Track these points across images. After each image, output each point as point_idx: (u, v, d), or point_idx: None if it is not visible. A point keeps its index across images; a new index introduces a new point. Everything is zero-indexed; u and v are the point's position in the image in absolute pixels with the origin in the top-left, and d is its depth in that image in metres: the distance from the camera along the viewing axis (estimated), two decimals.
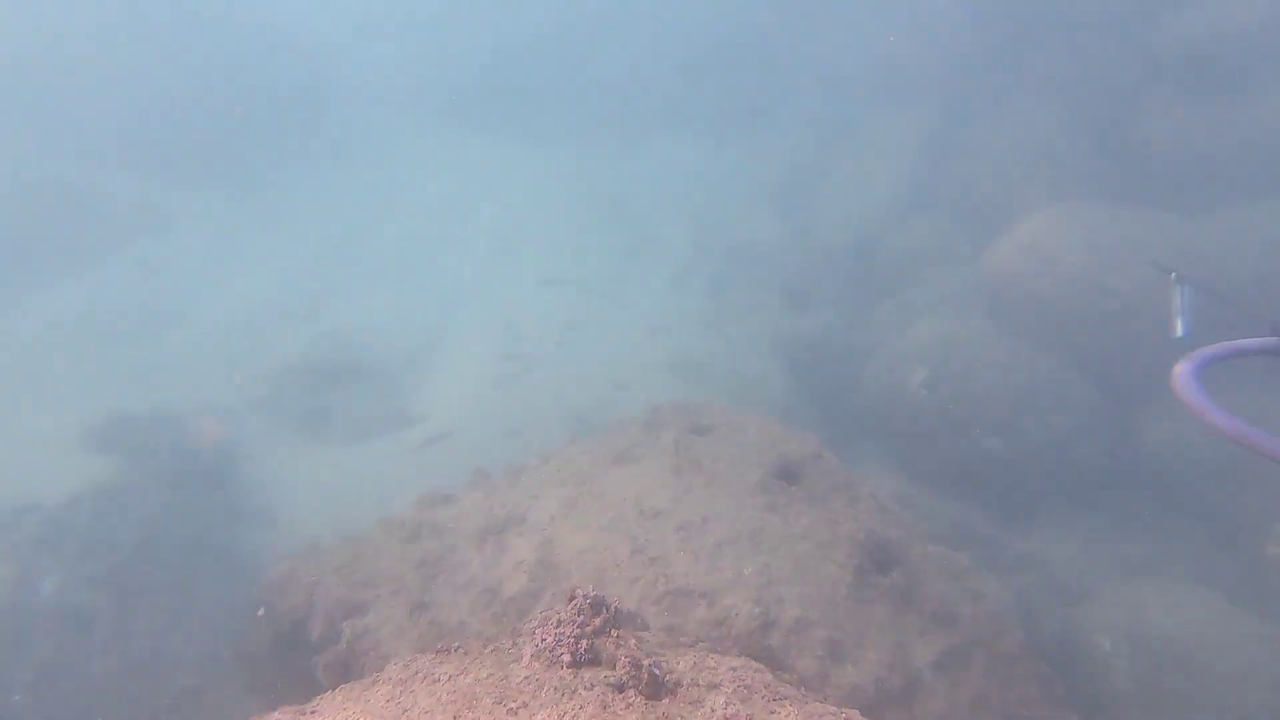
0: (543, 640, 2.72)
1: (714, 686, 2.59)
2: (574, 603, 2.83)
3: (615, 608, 2.89)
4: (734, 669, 2.91)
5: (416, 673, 2.54)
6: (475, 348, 16.83)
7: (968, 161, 13.18)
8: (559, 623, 2.77)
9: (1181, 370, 2.17)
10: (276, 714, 2.23)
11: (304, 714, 2.24)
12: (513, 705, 2.16)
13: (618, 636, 2.75)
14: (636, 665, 2.54)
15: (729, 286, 17.02)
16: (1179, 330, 3.02)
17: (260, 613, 7.00)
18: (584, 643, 2.69)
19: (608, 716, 2.18)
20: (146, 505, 10.55)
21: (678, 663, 2.85)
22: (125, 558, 9.47)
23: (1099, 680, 6.40)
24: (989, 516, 8.44)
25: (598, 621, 2.78)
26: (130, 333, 18.04)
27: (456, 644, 2.83)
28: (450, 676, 2.45)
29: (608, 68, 27.02)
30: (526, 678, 2.46)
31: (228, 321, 19.10)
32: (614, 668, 2.58)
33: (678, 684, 2.55)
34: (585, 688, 2.38)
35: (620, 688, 2.46)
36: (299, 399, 14.84)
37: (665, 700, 2.43)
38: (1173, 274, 3.13)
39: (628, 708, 2.25)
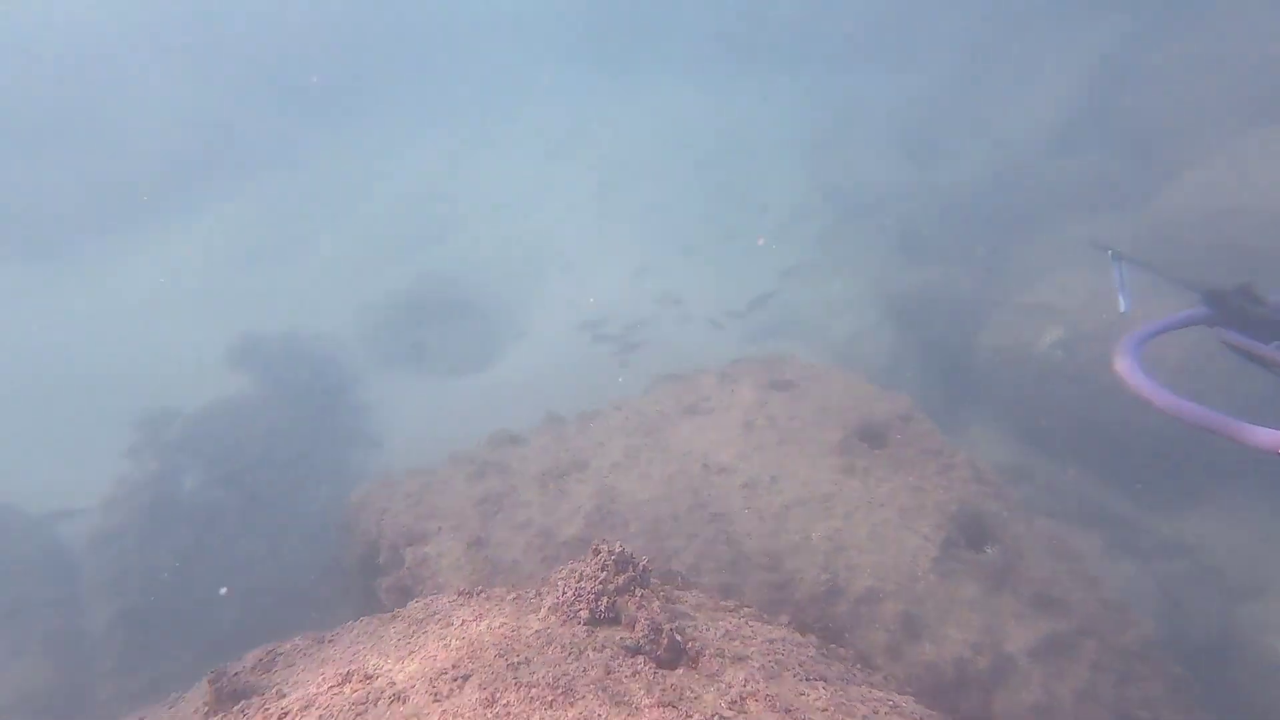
0: (563, 594, 2.63)
1: (740, 659, 2.40)
2: (598, 557, 2.71)
3: (643, 566, 2.75)
4: (771, 641, 2.70)
5: (434, 614, 2.55)
6: (569, 294, 17.10)
7: (1147, 88, 11.09)
8: (581, 577, 2.67)
9: (1120, 358, 2.23)
10: (298, 638, 2.32)
11: (322, 641, 2.30)
12: (514, 660, 2.09)
13: (641, 596, 2.61)
14: (656, 629, 2.39)
15: (839, 235, 15.90)
16: (1122, 306, 2.99)
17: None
18: (604, 600, 2.57)
19: (610, 683, 2.05)
20: (270, 419, 11.81)
21: (708, 629, 2.69)
22: (250, 464, 10.64)
23: (1270, 688, 5.57)
24: (1129, 495, 7.46)
25: (621, 579, 2.65)
26: (268, 255, 20.04)
27: (480, 588, 2.81)
28: (464, 622, 2.43)
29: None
30: (538, 631, 2.39)
31: (348, 250, 20.70)
32: (633, 629, 2.45)
33: (700, 653, 2.39)
34: (595, 649, 2.27)
35: (635, 651, 2.33)
36: (402, 332, 15.90)
37: (680, 670, 2.28)
38: (1109, 251, 3.09)
39: (634, 675, 2.11)
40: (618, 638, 2.39)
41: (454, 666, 2.03)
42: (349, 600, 6.26)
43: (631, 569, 2.73)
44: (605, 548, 2.73)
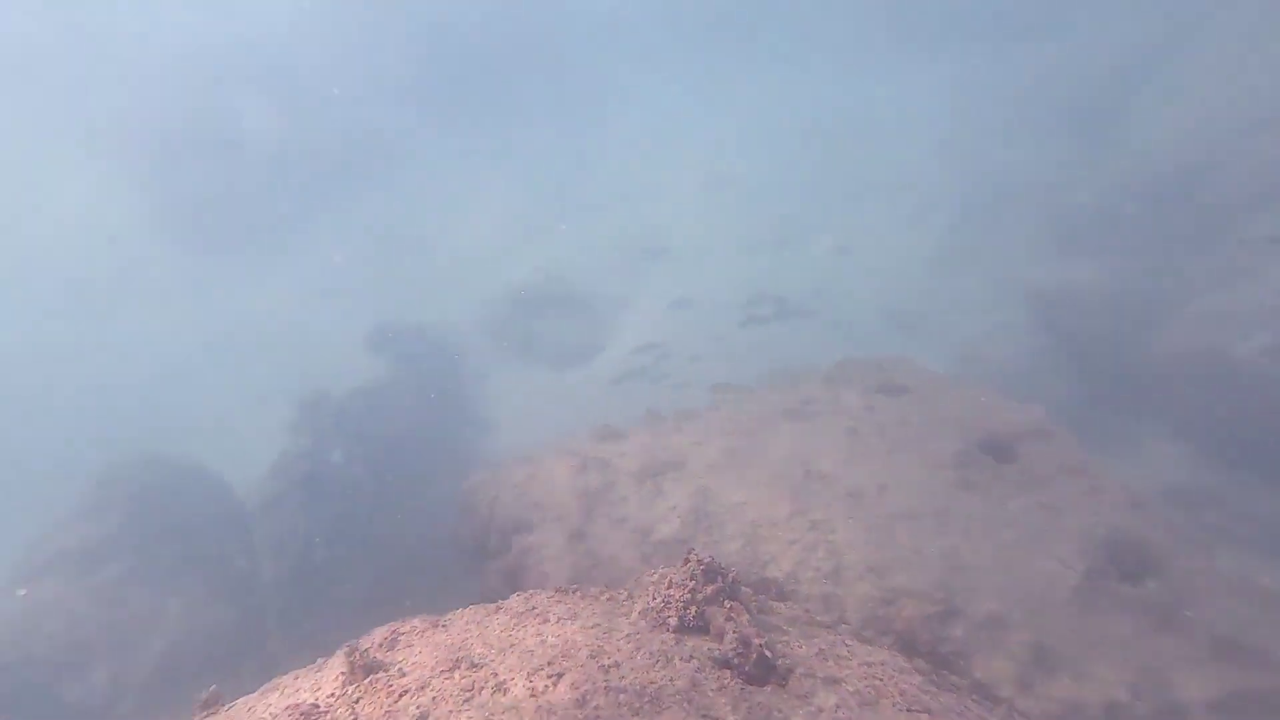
0: (653, 599, 2.74)
1: (834, 681, 2.39)
2: (687, 566, 2.79)
3: (732, 577, 2.79)
4: (869, 664, 2.65)
5: (533, 608, 2.76)
6: (676, 290, 17.23)
7: None
8: (670, 584, 2.76)
9: None
10: (417, 620, 2.61)
11: (437, 625, 2.58)
12: (606, 662, 2.23)
13: (730, 608, 2.66)
14: (745, 643, 2.44)
15: (976, 224, 14.70)
16: None
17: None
18: (693, 609, 2.65)
19: (696, 695, 2.13)
20: (401, 403, 13.00)
21: (801, 646, 2.69)
22: (386, 445, 11.75)
23: None
24: None
25: (710, 589, 2.72)
26: (401, 252, 21.98)
27: (575, 586, 2.99)
28: (559, 619, 2.61)
29: None
30: (629, 635, 2.51)
31: (472, 245, 22.20)
32: (721, 641, 2.51)
33: (790, 671, 2.41)
34: (683, 658, 2.36)
35: (724, 663, 2.39)
36: (516, 323, 16.84)
37: (769, 687, 2.31)
38: None
39: (720, 690, 2.18)
40: (705, 648, 2.46)
41: (549, 664, 2.21)
42: (467, 575, 6.83)
43: (720, 579, 2.78)
44: (695, 557, 2.81)
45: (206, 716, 2.22)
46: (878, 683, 2.47)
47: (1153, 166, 10.67)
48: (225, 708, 2.29)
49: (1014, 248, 12.03)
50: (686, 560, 2.82)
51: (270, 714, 2.06)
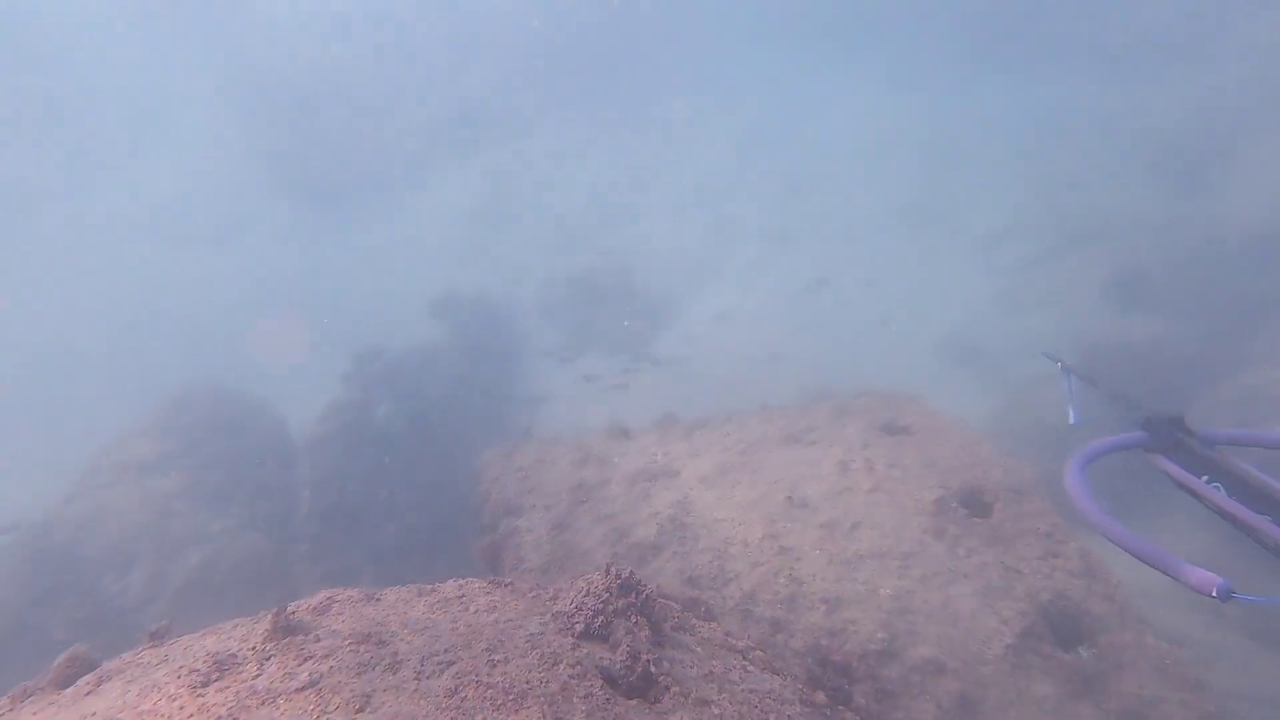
0: (570, 602, 2.90)
1: (704, 703, 2.49)
2: (607, 577, 2.92)
3: (647, 594, 2.90)
4: (754, 691, 2.72)
5: (462, 596, 2.97)
6: (733, 298, 17.10)
7: None
8: (589, 592, 2.91)
9: (1068, 476, 2.32)
10: (353, 590, 2.87)
11: (370, 599, 2.83)
12: (497, 657, 2.41)
13: (635, 622, 2.78)
14: (634, 657, 2.56)
15: (1051, 264, 13.86)
16: (1071, 418, 2.97)
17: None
18: (600, 619, 2.79)
19: (560, 699, 2.27)
20: (453, 369, 13.61)
21: (694, 667, 2.78)
22: (431, 405, 12.33)
23: None
24: None
25: (621, 602, 2.84)
26: (482, 222, 22.79)
27: (508, 580, 3.18)
28: (478, 610, 2.81)
29: None
30: (532, 634, 2.68)
31: (552, 222, 22.72)
32: (615, 652, 2.64)
33: (667, 689, 2.51)
34: (570, 664, 2.51)
35: (609, 674, 2.52)
36: (574, 307, 17.20)
37: (634, 702, 2.43)
38: (1059, 364, 3.09)
39: (585, 697, 2.32)
40: (598, 656, 2.59)
41: (446, 650, 2.40)
42: (472, 544, 7.21)
43: (634, 594, 2.90)
44: (615, 570, 2.93)
45: (150, 646, 2.55)
46: (747, 709, 2.54)
47: (1236, 230, 9.77)
48: (170, 641, 2.61)
49: (1083, 294, 11.29)
50: (607, 571, 2.95)
51: (194, 654, 2.35)
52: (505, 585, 3.14)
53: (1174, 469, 2.40)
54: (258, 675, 2.12)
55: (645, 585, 2.95)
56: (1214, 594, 1.81)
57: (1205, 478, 2.29)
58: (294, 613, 2.52)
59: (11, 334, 14.83)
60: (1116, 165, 14.27)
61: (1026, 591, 4.02)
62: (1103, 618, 3.89)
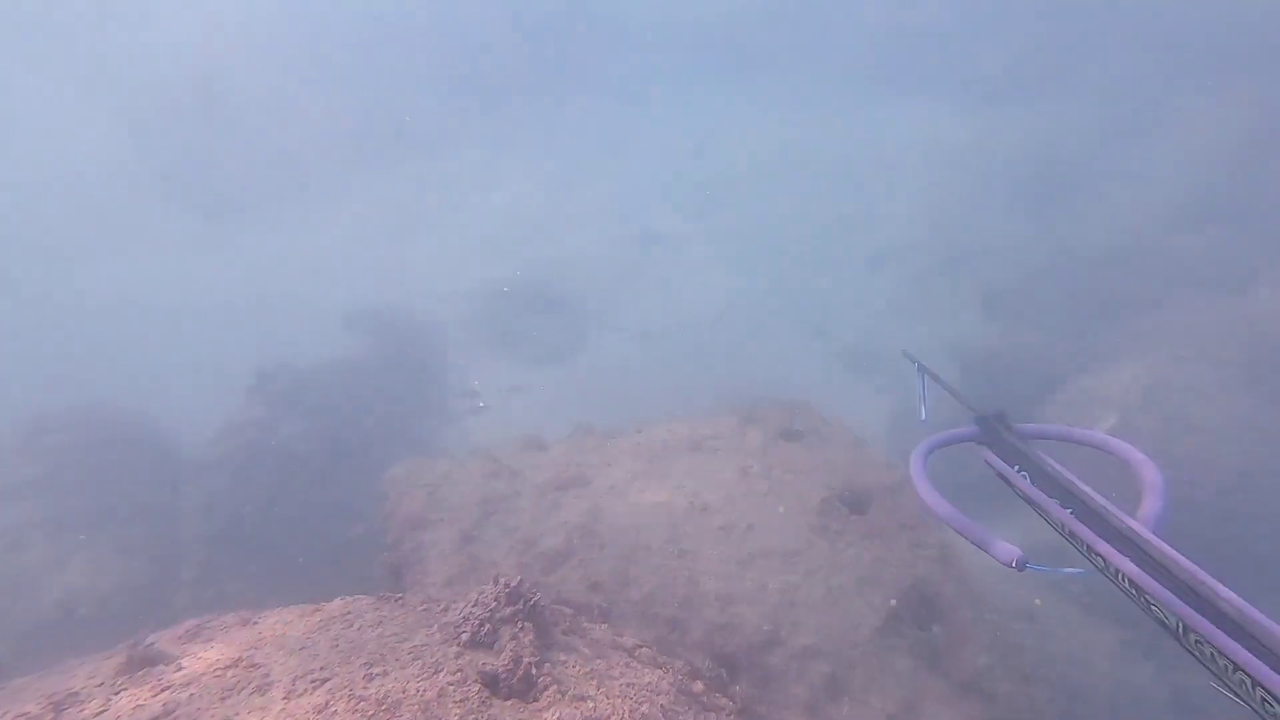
0: (459, 613, 2.89)
1: (579, 699, 2.57)
2: (496, 587, 2.94)
3: (534, 602, 2.95)
4: (632, 684, 2.81)
5: (348, 613, 2.90)
6: (648, 303, 17.41)
7: None
8: (477, 602, 2.91)
9: (912, 458, 2.61)
10: (230, 616, 2.74)
11: (248, 623, 2.71)
12: (375, 670, 2.37)
13: (521, 628, 2.81)
14: (516, 660, 2.60)
15: (933, 280, 15.04)
16: (921, 415, 3.21)
17: None
18: (487, 626, 2.80)
19: (436, 705, 2.28)
20: (366, 384, 13.03)
21: (574, 667, 2.84)
22: (340, 421, 11.75)
23: None
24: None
25: (509, 610, 2.87)
26: (401, 232, 21.99)
27: (399, 595, 3.13)
28: (362, 626, 2.75)
29: (853, 11, 24.54)
30: (417, 645, 2.66)
31: (473, 233, 22.25)
32: (499, 657, 2.66)
33: (546, 688, 2.55)
34: (451, 671, 2.51)
35: (491, 678, 2.54)
36: (500, 318, 16.92)
37: (511, 702, 2.46)
38: (916, 364, 3.32)
39: (460, 701, 2.33)
40: (480, 662, 2.60)
41: (323, 668, 2.34)
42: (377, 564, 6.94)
43: (522, 602, 2.94)
44: (503, 579, 2.96)
45: None
46: (619, 701, 2.62)
47: (1083, 248, 11.04)
48: (9, 682, 2.40)
49: (959, 307, 12.33)
50: (496, 581, 2.96)
51: (27, 697, 2.18)
52: (394, 600, 3.09)
53: (994, 459, 2.63)
54: (101, 712, 1.99)
55: (534, 593, 2.99)
56: (1013, 565, 1.99)
57: (1016, 467, 2.54)
58: (153, 643, 2.38)
59: None
60: (987, 189, 15.72)
61: (892, 578, 4.36)
62: (952, 599, 4.28)
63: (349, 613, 2.89)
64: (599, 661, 2.91)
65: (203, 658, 2.34)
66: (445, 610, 3.08)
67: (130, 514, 8.35)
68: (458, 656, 2.60)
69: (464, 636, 2.74)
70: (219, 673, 2.22)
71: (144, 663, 2.19)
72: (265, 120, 23.27)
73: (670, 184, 22.17)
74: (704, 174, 22.01)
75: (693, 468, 5.98)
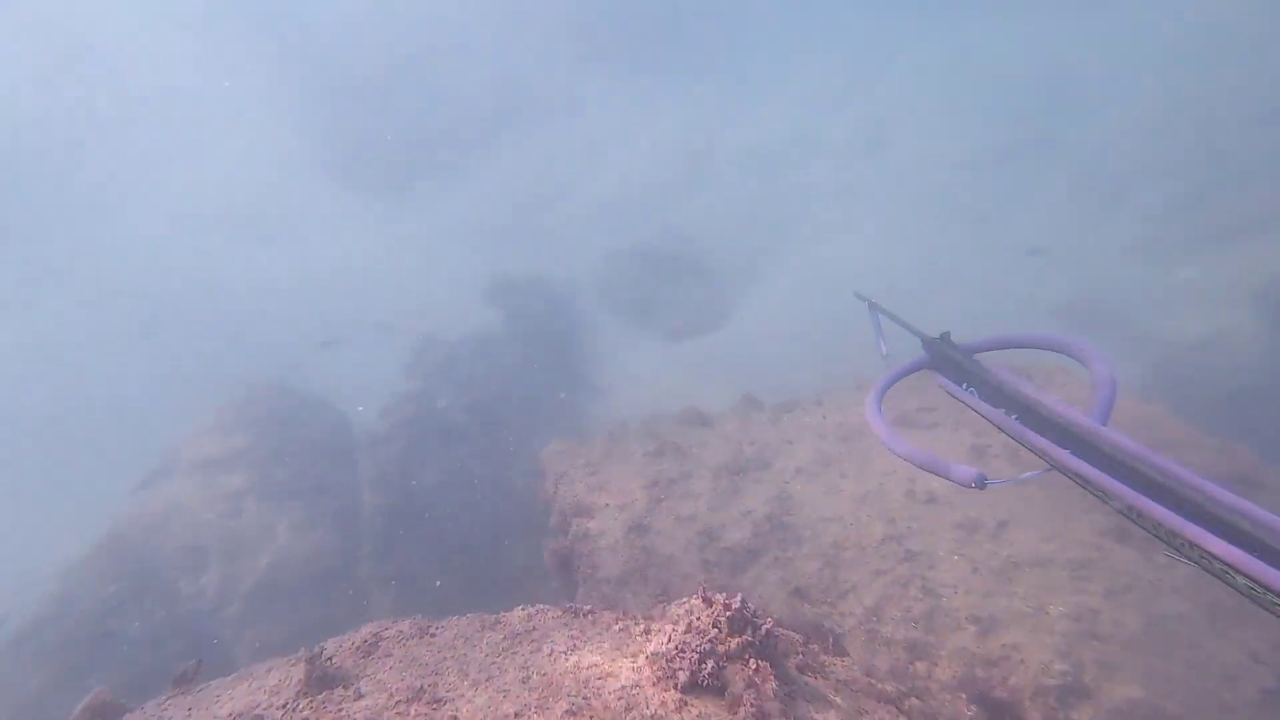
0: (668, 640, 2.38)
1: None
2: (712, 610, 2.38)
3: (767, 630, 2.35)
4: None
5: (532, 630, 2.50)
6: (810, 262, 16.07)
7: None
8: (690, 627, 2.38)
9: (868, 405, 2.72)
10: (406, 623, 2.46)
11: (424, 633, 2.41)
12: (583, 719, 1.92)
13: (756, 669, 2.23)
14: (761, 718, 2.03)
15: (1203, 204, 12.08)
16: (882, 350, 3.37)
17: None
18: (709, 663, 2.26)
19: None
20: (512, 355, 13.40)
21: None
22: (492, 394, 12.16)
23: None
24: None
25: (735, 642, 2.30)
26: (535, 202, 22.53)
27: (588, 608, 2.69)
28: (553, 653, 2.33)
29: None
30: (625, 687, 2.18)
31: (604, 198, 22.20)
32: (734, 711, 2.11)
33: None
34: None
35: None
36: (635, 285, 16.63)
37: None
38: (867, 303, 3.51)
39: None
40: (711, 717, 2.07)
41: (516, 715, 1.93)
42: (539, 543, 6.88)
43: (751, 631, 2.34)
44: (722, 600, 2.38)
45: (177, 694, 2.21)
46: None
47: None
48: (198, 688, 2.26)
49: (1255, 234, 9.73)
50: (711, 601, 2.40)
51: (222, 712, 1.97)
52: (584, 615, 2.65)
53: (944, 381, 2.77)
54: None
55: (763, 618, 2.38)
56: (973, 484, 2.07)
57: (965, 385, 2.66)
58: (332, 659, 2.11)
59: (81, 333, 15.72)
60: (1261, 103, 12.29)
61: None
62: None
63: (534, 629, 2.50)
64: (865, 719, 2.26)
65: (383, 683, 2.03)
66: (647, 632, 2.59)
67: (318, 484, 9.12)
68: (681, 708, 2.07)
69: (682, 677, 2.22)
70: (402, 707, 1.88)
71: (323, 684, 1.92)
72: (420, 97, 24.69)
73: (828, 125, 20.32)
74: (867, 108, 19.88)
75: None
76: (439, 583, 7.48)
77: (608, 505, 5.03)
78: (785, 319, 14.52)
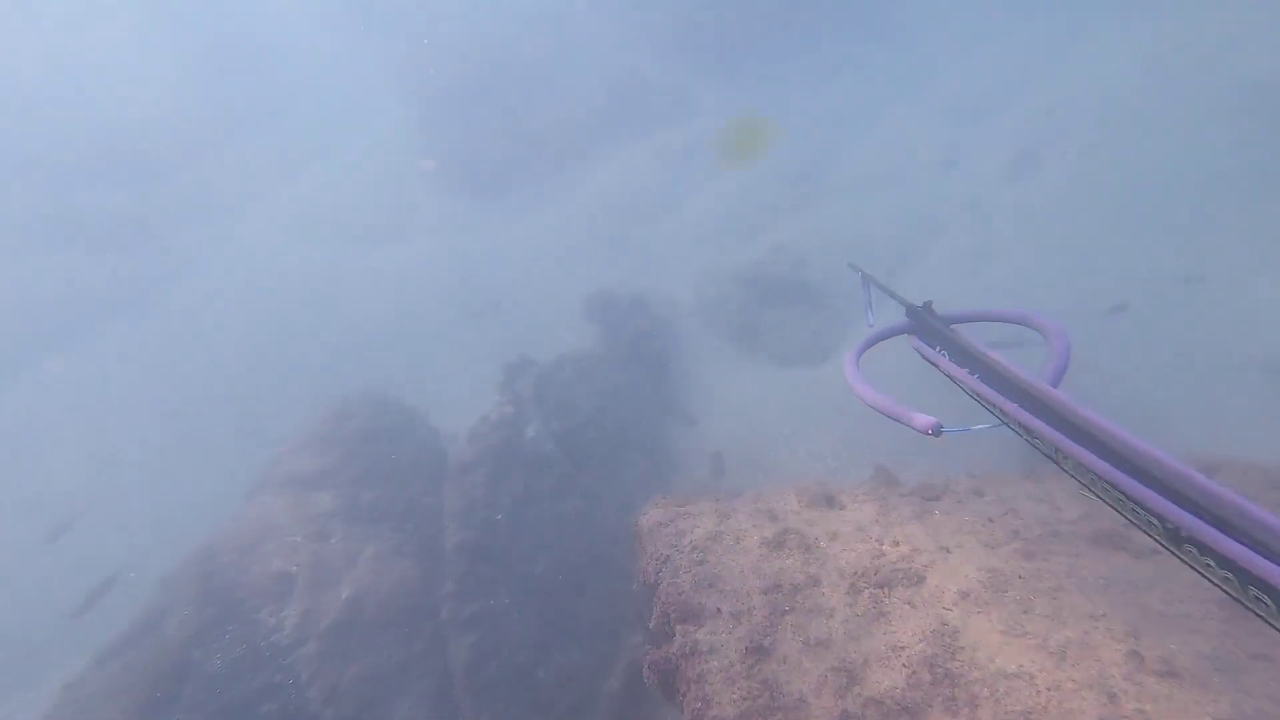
0: None
1: None
2: None
3: None
4: None
5: None
6: (939, 296, 14.50)
7: None
8: None
9: (846, 359, 3.20)
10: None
11: None
12: None
13: None
14: None
15: None
16: (869, 319, 3.78)
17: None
18: None
19: None
20: (605, 379, 12.94)
21: None
22: (581, 422, 11.72)
23: None
24: None
25: None
26: (637, 214, 22.09)
27: None
28: None
29: None
30: None
31: (710, 214, 21.41)
32: None
33: None
34: None
35: None
36: (738, 309, 15.70)
37: None
38: (860, 274, 4.05)
39: None
40: None
41: None
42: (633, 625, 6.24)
43: None
44: None
45: None
46: None
47: None
48: None
49: None
50: None
51: None
52: None
53: (921, 345, 3.21)
54: None
55: None
56: (930, 431, 2.33)
57: (939, 349, 3.08)
58: None
59: (201, 340, 16.79)
60: None
61: None
62: None
63: None
64: None
65: None
66: None
67: (404, 510, 8.96)
68: None
69: None
70: None
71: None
72: (525, 97, 24.93)
73: (976, 134, 18.56)
74: (1022, 114, 17.94)
75: (1115, 579, 3.94)
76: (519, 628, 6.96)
77: (719, 612, 4.26)
78: (908, 356, 13.15)
